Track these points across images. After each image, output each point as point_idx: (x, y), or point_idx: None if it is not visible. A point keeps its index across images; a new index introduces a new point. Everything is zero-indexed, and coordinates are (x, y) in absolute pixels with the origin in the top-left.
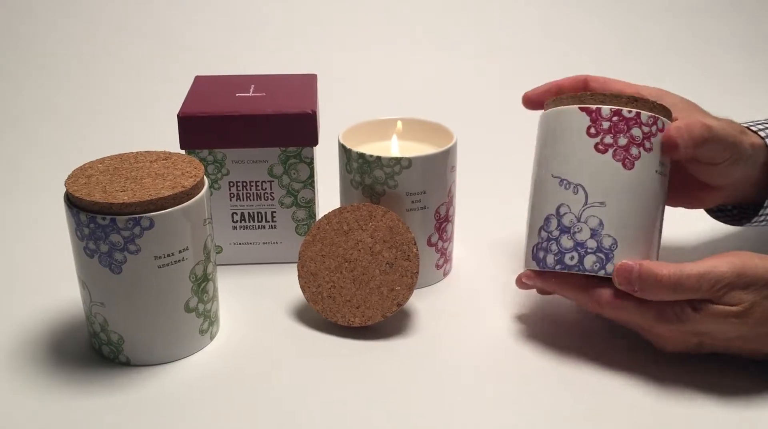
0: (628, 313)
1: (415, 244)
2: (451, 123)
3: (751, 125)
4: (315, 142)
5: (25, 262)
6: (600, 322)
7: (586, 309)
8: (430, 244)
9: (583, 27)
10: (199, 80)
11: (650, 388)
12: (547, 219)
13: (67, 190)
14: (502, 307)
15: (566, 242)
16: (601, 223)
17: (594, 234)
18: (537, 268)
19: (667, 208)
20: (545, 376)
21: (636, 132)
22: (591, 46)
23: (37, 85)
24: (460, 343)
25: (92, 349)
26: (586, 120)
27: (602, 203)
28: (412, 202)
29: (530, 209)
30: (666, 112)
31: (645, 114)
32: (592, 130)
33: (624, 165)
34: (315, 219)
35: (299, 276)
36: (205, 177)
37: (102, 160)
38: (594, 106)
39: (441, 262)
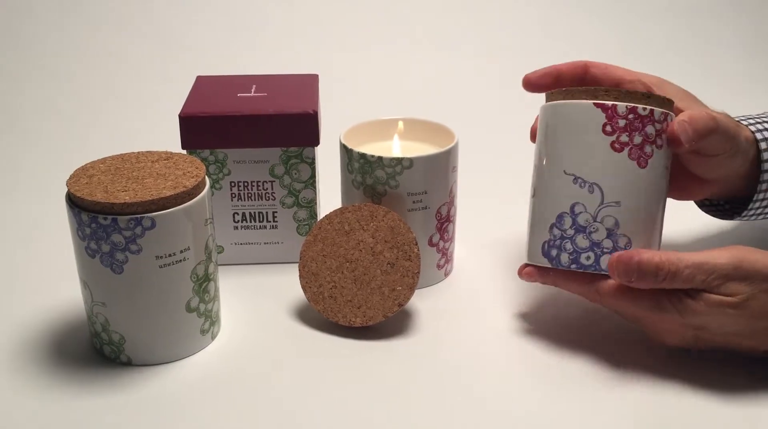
0: (627, 303)
1: (417, 244)
2: (453, 123)
3: (742, 120)
4: (316, 142)
5: (27, 262)
6: (601, 321)
7: (587, 300)
8: (431, 244)
9: (583, 27)
10: (200, 80)
11: (652, 387)
12: (560, 216)
13: (68, 190)
14: (503, 307)
15: (582, 242)
16: (617, 223)
17: (610, 234)
18: (548, 265)
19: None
20: (547, 375)
21: (650, 130)
22: (591, 46)
23: (38, 85)
24: (461, 343)
25: (93, 349)
26: (601, 117)
27: (618, 203)
28: (414, 202)
29: (537, 204)
30: (672, 106)
31: (658, 111)
32: (608, 128)
33: (639, 164)
34: (316, 219)
35: (300, 276)
36: (206, 177)
37: (103, 160)
38: (609, 103)
39: (442, 262)
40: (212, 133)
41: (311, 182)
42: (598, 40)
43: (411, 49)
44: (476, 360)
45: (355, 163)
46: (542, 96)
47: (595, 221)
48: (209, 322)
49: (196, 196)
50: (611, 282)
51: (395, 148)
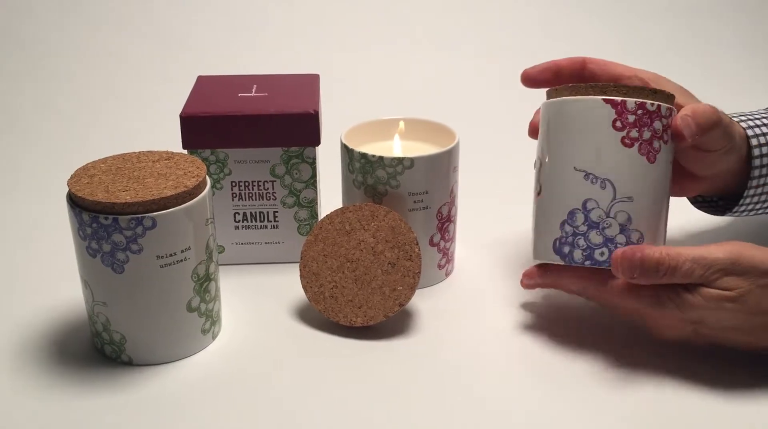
0: (625, 299)
1: (417, 244)
2: (454, 123)
3: (733, 117)
4: (317, 142)
5: (28, 261)
6: (602, 321)
7: (586, 299)
8: (432, 244)
9: (583, 27)
10: (201, 80)
11: (653, 387)
12: (572, 213)
13: (69, 189)
14: (504, 307)
15: (595, 238)
16: (629, 219)
17: (623, 229)
18: (560, 263)
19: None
20: (548, 375)
21: (657, 125)
22: (591, 46)
23: (39, 85)
24: (461, 343)
25: (94, 349)
26: (611, 113)
27: (630, 198)
28: (415, 202)
29: (545, 201)
30: (674, 101)
31: (664, 106)
32: (618, 124)
33: (648, 159)
34: (317, 219)
35: (301, 276)
36: (207, 177)
37: (104, 160)
38: (619, 99)
39: (443, 262)
40: (213, 133)
41: (312, 182)
42: (598, 40)
43: (412, 48)
44: (477, 360)
45: (356, 163)
46: (542, 93)
47: (608, 217)
48: (210, 321)
49: (197, 196)
50: (611, 279)
51: (396, 147)
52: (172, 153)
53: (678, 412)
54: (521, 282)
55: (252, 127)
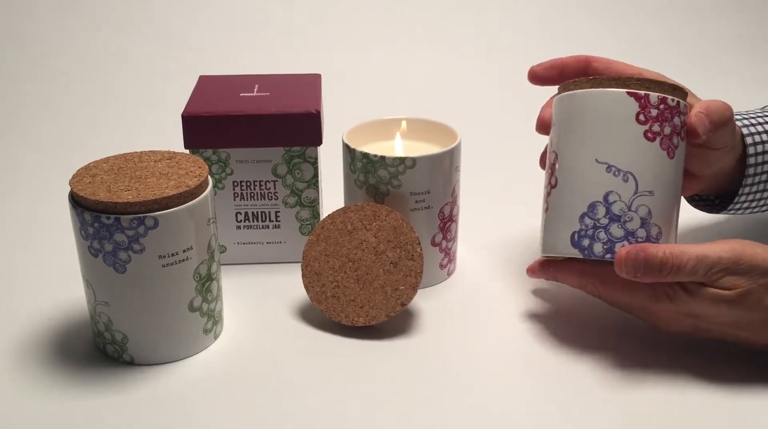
0: (625, 294)
1: (419, 243)
2: (455, 123)
3: None
4: (319, 141)
5: (29, 261)
6: (605, 321)
7: (585, 293)
8: (434, 243)
9: (583, 27)
10: (203, 80)
11: (654, 387)
12: (593, 205)
13: (71, 189)
14: (506, 306)
15: (616, 231)
16: (650, 213)
17: (643, 223)
18: (579, 256)
19: None
20: (549, 375)
21: (677, 121)
22: (591, 46)
23: (40, 85)
24: (463, 342)
25: (96, 349)
26: (635, 106)
27: (651, 192)
28: (416, 201)
29: (562, 194)
30: (686, 98)
31: (683, 103)
32: (641, 117)
33: (668, 154)
34: (319, 219)
35: (303, 275)
36: (209, 176)
37: (106, 160)
38: (642, 92)
39: (445, 261)
40: (215, 133)
41: (314, 182)
42: (598, 40)
43: (413, 48)
44: (478, 360)
45: (357, 163)
46: (544, 92)
47: (629, 210)
48: (212, 321)
49: (198, 196)
50: (607, 273)
51: (398, 147)
52: (174, 153)
53: (678, 412)
54: (527, 272)
55: (254, 127)
